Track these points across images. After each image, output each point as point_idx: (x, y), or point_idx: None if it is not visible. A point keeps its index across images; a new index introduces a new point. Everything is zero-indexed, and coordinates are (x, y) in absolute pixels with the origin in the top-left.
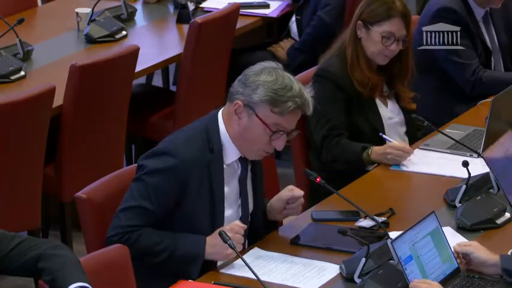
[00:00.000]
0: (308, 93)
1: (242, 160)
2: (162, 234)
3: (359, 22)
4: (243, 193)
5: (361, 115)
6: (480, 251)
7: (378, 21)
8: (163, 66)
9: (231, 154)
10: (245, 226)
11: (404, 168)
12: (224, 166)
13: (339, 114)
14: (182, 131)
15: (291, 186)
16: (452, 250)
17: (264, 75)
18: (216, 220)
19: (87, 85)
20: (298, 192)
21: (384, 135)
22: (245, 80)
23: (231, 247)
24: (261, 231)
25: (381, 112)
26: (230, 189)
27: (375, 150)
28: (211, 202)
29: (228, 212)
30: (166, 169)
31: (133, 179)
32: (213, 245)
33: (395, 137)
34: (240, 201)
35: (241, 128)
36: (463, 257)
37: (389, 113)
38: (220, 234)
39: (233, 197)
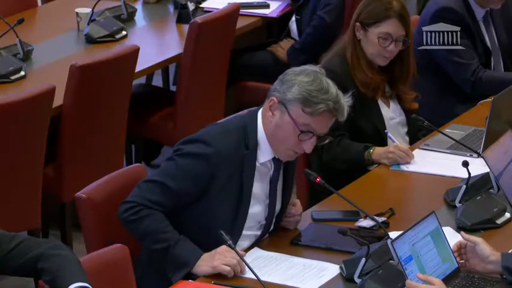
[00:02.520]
0: (346, 101)
1: (276, 161)
2: (170, 227)
3: (357, 24)
4: (272, 193)
5: (363, 115)
6: (486, 245)
7: (375, 22)
8: (163, 66)
9: (265, 153)
10: (237, 259)
11: (405, 168)
12: (257, 164)
13: None
14: (219, 124)
15: (294, 201)
16: (457, 244)
17: (302, 75)
18: (238, 216)
19: (87, 85)
20: (296, 210)
21: (390, 135)
22: (283, 78)
23: (231, 247)
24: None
25: (382, 112)
26: (260, 187)
27: (377, 150)
28: (238, 198)
29: (255, 209)
30: (199, 155)
31: (166, 158)
32: (205, 259)
33: (396, 138)
34: (268, 201)
35: (273, 124)
36: (464, 251)
37: (391, 113)
38: (220, 234)
39: (262, 195)
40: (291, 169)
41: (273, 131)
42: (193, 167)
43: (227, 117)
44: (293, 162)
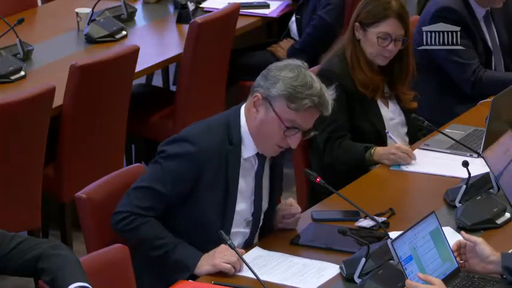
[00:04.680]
0: (330, 95)
1: (259, 156)
2: (166, 231)
3: (356, 24)
4: (257, 189)
5: (362, 116)
6: (486, 245)
7: (374, 22)
8: (163, 66)
9: (249, 148)
10: (236, 256)
11: (405, 168)
12: (241, 160)
13: (342, 116)
14: (204, 122)
15: (290, 200)
16: (457, 243)
17: (286, 71)
18: (226, 213)
19: (87, 85)
20: (295, 209)
21: (391, 135)
22: (267, 73)
23: (231, 247)
24: (273, 230)
25: (382, 113)
26: (246, 183)
27: (378, 151)
28: (224, 194)
29: (241, 206)
30: (184, 155)
31: (151, 162)
32: (206, 259)
33: (396, 138)
34: (253, 197)
35: (258, 121)
36: (463, 251)
37: (391, 113)
38: (220, 233)
39: (248, 191)
40: (278, 168)
41: (257, 127)
42: (179, 167)
43: (211, 116)
44: (281, 161)
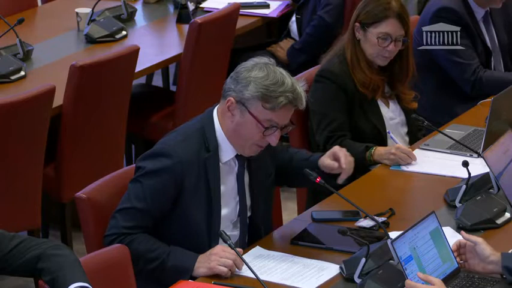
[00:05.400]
0: (301, 87)
1: (239, 157)
2: (157, 242)
3: (356, 24)
4: (240, 190)
5: (363, 116)
6: (486, 245)
7: (374, 22)
8: (163, 66)
9: (227, 152)
10: (234, 254)
11: (405, 168)
12: (220, 164)
13: (342, 115)
14: (178, 131)
15: (335, 150)
16: (457, 243)
17: (255, 71)
18: (213, 219)
19: (87, 85)
20: (333, 164)
21: (391, 135)
22: (237, 76)
23: (231, 247)
24: (261, 228)
25: (382, 113)
26: (227, 187)
27: (379, 150)
28: (208, 201)
29: (225, 211)
30: (162, 170)
31: (130, 180)
32: (202, 261)
33: (397, 138)
34: (238, 199)
35: (235, 124)
36: (463, 251)
37: (391, 113)
38: (220, 233)
39: (230, 194)
40: (253, 160)
41: (235, 130)
42: (158, 183)
43: (185, 123)
44: (256, 156)
